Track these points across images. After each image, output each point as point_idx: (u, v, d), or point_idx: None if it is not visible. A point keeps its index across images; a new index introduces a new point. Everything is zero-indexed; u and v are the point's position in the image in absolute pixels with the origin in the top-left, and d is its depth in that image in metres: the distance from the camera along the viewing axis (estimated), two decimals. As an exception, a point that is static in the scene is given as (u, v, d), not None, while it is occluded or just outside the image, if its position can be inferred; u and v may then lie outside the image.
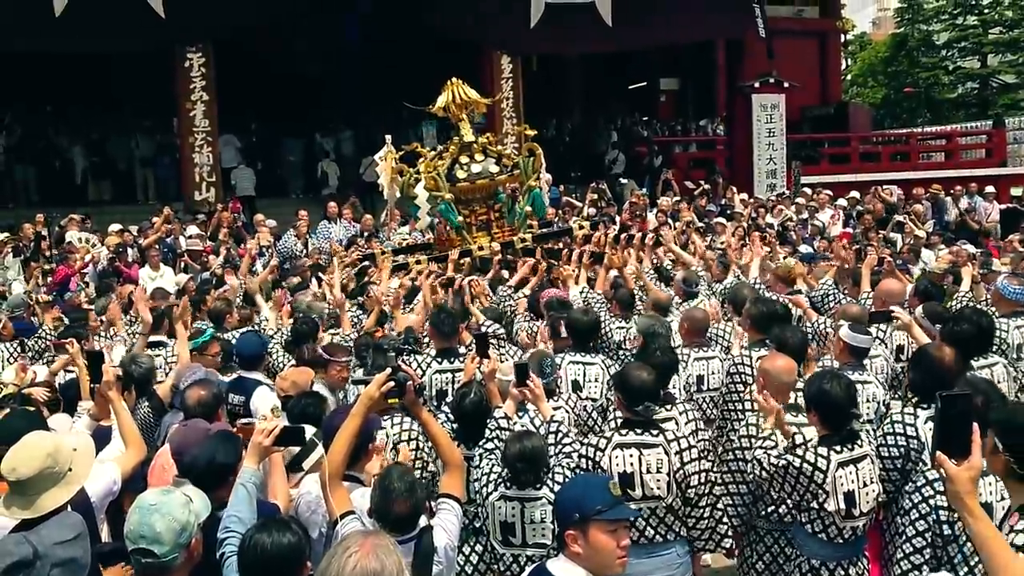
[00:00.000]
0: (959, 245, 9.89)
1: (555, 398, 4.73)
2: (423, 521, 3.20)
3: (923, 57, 41.92)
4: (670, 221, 12.51)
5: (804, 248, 10.83)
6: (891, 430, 4.08)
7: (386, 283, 7.86)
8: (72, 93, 18.13)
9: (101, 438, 4.13)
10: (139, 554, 2.78)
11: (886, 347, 5.71)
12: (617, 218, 12.52)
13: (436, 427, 3.67)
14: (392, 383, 3.40)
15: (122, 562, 2.96)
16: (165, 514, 2.79)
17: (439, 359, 5.43)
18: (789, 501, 3.90)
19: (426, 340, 5.92)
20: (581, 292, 6.96)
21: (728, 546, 4.11)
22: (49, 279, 9.99)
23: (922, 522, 3.40)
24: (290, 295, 8.17)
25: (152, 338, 6.36)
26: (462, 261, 8.58)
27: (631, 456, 3.87)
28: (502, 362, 4.61)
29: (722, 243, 9.90)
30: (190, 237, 11.79)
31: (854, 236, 12.02)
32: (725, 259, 8.23)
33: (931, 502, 3.39)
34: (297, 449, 3.77)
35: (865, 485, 3.76)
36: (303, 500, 3.65)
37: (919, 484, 3.48)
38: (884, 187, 16.23)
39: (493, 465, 3.94)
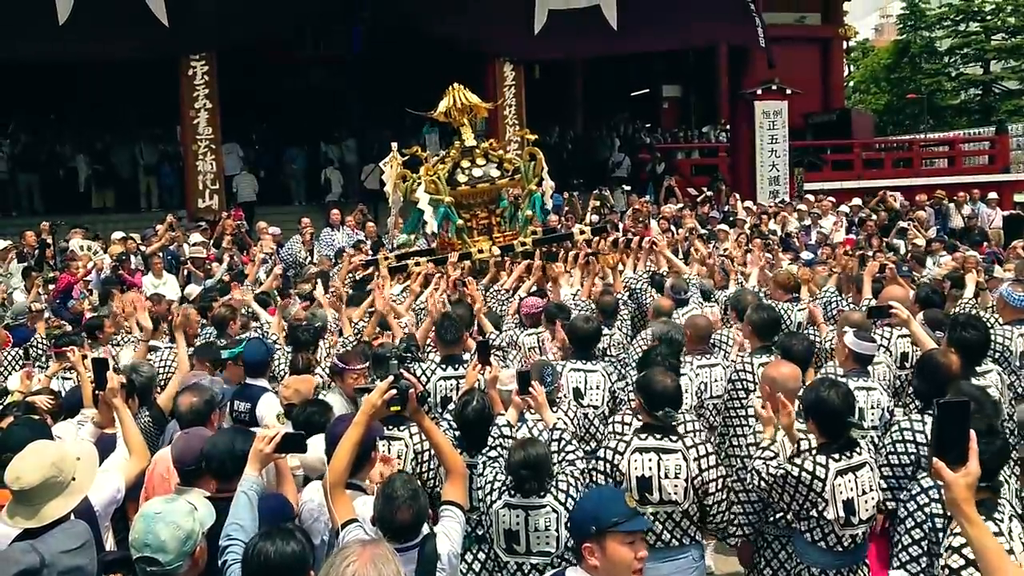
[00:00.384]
0: (963, 251, 9.87)
1: (554, 408, 4.71)
2: (426, 528, 3.20)
3: (925, 63, 41.91)
4: (672, 228, 12.51)
5: (806, 255, 10.81)
6: (900, 437, 4.05)
7: (388, 289, 7.85)
8: (76, 101, 18.17)
9: (106, 446, 4.11)
10: (144, 562, 2.78)
11: (890, 354, 5.68)
12: (620, 225, 12.51)
13: (438, 435, 3.66)
14: (394, 391, 3.40)
15: (121, 572, 2.95)
16: (170, 522, 2.80)
17: (443, 366, 5.42)
18: (789, 511, 3.89)
19: (430, 348, 5.92)
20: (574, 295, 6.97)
21: (733, 544, 4.13)
22: (51, 287, 10.01)
23: (918, 530, 3.39)
24: (300, 300, 8.14)
25: (151, 343, 6.39)
26: (461, 264, 8.58)
27: (650, 460, 3.89)
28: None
29: (725, 250, 9.90)
30: (194, 245, 11.82)
31: (857, 243, 12.01)
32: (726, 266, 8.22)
33: (926, 510, 3.38)
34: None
35: (864, 493, 3.75)
36: (305, 508, 3.64)
37: (914, 492, 3.47)
38: (889, 193, 16.27)
39: (496, 473, 3.94)
